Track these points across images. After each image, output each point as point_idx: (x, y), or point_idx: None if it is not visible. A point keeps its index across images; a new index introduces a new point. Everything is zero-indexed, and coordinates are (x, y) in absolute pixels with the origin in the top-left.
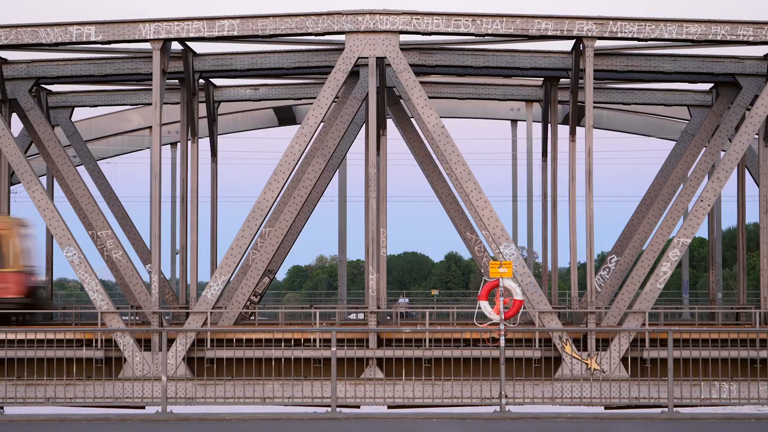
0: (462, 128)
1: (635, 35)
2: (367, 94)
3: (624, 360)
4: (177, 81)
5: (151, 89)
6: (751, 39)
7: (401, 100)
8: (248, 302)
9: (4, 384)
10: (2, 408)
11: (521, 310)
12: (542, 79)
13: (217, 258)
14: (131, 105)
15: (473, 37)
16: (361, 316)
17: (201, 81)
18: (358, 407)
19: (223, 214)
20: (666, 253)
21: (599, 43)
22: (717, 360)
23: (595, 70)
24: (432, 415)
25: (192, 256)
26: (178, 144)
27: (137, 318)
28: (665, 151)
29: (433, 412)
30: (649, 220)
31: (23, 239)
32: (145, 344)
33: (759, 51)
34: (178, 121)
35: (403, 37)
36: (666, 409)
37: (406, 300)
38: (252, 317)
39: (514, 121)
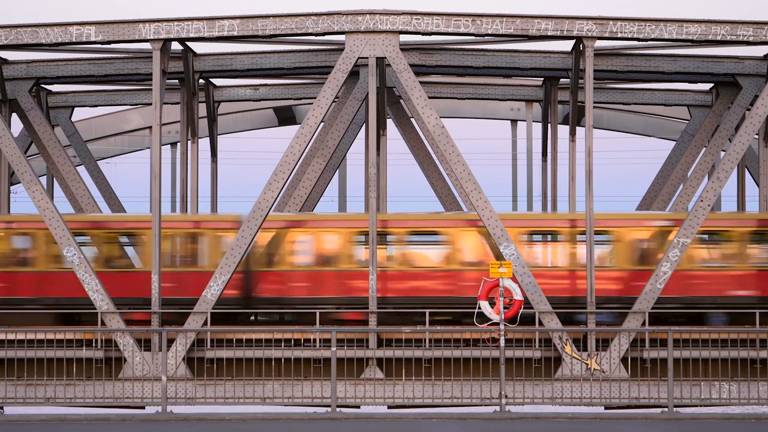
0: (462, 128)
1: (635, 35)
2: (367, 94)
3: (624, 360)
4: (177, 81)
5: (151, 89)
6: (751, 39)
7: (401, 100)
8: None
9: (4, 384)
10: (2, 408)
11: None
12: (542, 79)
13: None
14: (131, 105)
15: (473, 37)
16: None
17: (201, 81)
18: (358, 407)
19: None
20: (666, 253)
21: (599, 43)
22: (717, 360)
23: (595, 70)
24: (432, 415)
25: None
26: (178, 144)
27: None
28: (665, 151)
29: (433, 412)
30: None
31: None
32: (145, 344)
33: (759, 51)
34: (178, 121)
35: (404, 37)
36: (666, 409)
37: None
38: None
39: (514, 121)
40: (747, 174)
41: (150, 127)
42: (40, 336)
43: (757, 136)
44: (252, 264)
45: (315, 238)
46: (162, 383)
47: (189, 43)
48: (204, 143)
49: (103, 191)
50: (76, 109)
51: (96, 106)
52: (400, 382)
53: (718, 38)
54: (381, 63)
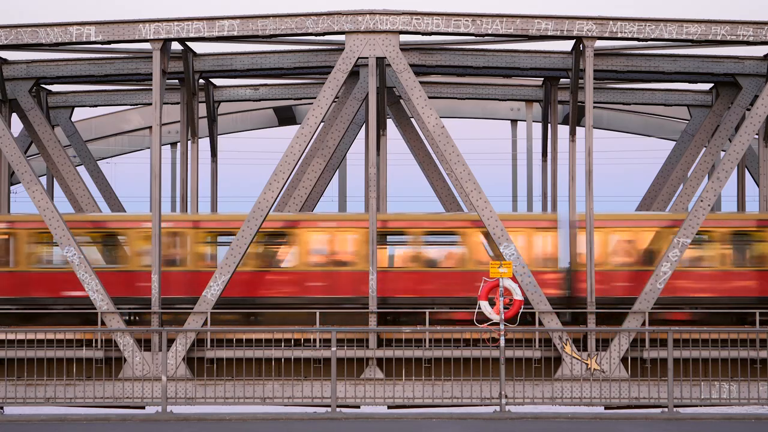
0: (462, 128)
1: (635, 35)
2: (367, 94)
3: (624, 360)
4: (177, 81)
5: (151, 89)
6: (751, 39)
7: (401, 100)
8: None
9: (4, 384)
10: (2, 408)
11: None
12: (542, 79)
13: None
14: (131, 105)
15: (473, 37)
16: None
17: (201, 81)
18: (358, 407)
19: None
20: (666, 253)
21: (599, 43)
22: (717, 360)
23: (595, 70)
24: (432, 415)
25: None
26: (178, 144)
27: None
28: (665, 151)
29: (433, 412)
30: None
31: None
32: (145, 344)
33: (759, 51)
34: (178, 121)
35: (404, 37)
36: (666, 409)
37: None
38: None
39: (514, 121)
40: (747, 174)
41: (150, 127)
42: (40, 336)
43: (757, 136)
44: (575, 264)
45: (636, 237)
46: (162, 383)
47: (189, 43)
48: (204, 143)
49: (103, 191)
50: (76, 109)
51: (96, 106)
52: (400, 382)
53: (718, 38)
54: (381, 63)
